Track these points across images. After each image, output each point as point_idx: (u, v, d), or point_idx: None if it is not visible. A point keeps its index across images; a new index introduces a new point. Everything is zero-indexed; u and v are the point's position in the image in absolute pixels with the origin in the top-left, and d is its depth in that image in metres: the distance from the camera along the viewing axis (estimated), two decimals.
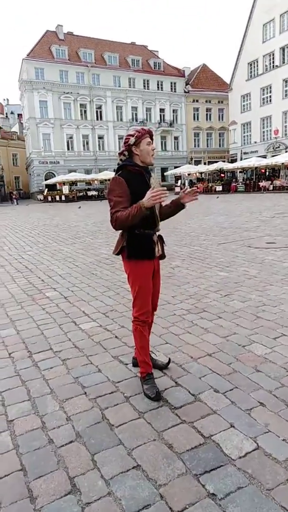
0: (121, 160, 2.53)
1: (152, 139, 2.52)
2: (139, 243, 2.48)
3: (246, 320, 3.72)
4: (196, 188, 2.65)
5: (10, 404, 2.54)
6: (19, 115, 60.79)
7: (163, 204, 2.60)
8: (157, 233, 2.61)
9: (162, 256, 2.66)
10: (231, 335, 3.39)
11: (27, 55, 42.12)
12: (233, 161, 42.62)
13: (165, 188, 2.36)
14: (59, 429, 2.24)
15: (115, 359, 3.07)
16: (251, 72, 40.73)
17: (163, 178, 49.26)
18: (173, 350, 3.17)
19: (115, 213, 2.34)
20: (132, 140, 2.45)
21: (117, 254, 2.57)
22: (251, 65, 40.51)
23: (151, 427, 2.18)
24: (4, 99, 73.26)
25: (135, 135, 2.45)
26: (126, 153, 2.51)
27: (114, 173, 2.55)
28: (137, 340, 2.59)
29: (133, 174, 2.46)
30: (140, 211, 2.28)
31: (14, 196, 42.54)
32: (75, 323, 3.98)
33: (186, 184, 39.86)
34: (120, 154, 2.54)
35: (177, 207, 2.64)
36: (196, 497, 1.67)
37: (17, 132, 60.58)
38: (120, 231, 2.53)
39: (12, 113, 70.18)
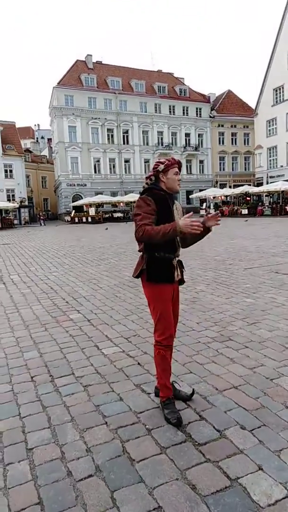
0: (147, 184, 2.59)
1: (180, 169, 2.61)
2: (159, 267, 2.49)
3: (274, 351, 3.56)
4: (218, 212, 2.66)
5: (30, 431, 2.50)
6: (49, 140, 63.29)
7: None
8: (177, 258, 2.62)
9: (181, 281, 2.67)
10: (258, 367, 3.24)
11: (58, 83, 44.17)
12: (259, 184, 42.40)
13: (198, 223, 2.36)
14: (78, 461, 2.17)
15: (137, 388, 2.99)
16: (276, 97, 40.93)
17: (188, 201, 49.57)
18: (198, 380, 3.06)
19: (144, 225, 2.34)
20: (161, 167, 2.53)
21: (137, 277, 2.57)
22: (276, 90, 40.75)
23: (174, 464, 2.08)
24: (35, 125, 76.67)
25: (165, 163, 2.53)
26: (153, 178, 2.58)
27: (139, 195, 2.59)
28: (159, 364, 2.58)
29: (158, 196, 2.51)
30: (174, 233, 2.28)
31: (41, 218, 43.76)
32: (98, 347, 3.94)
33: (211, 206, 39.85)
34: (147, 178, 2.61)
35: (203, 231, 2.61)
36: None
37: (46, 156, 62.93)
38: (141, 253, 2.57)
39: (42, 137, 73.14)
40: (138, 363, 3.45)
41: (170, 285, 2.56)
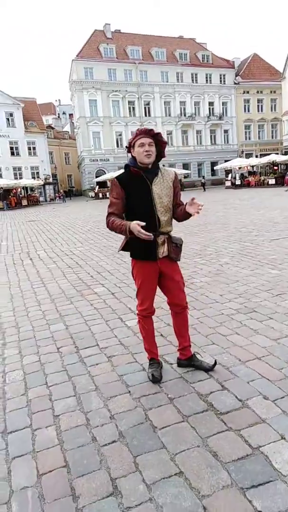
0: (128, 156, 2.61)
1: (153, 138, 2.45)
2: (139, 244, 2.47)
3: None
4: (200, 204, 2.49)
5: (57, 399, 2.59)
6: (70, 115, 62.70)
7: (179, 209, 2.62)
8: (163, 235, 2.56)
9: (173, 258, 2.60)
10: (283, 338, 3.19)
11: (77, 56, 43.17)
12: (287, 153, 40.66)
13: (150, 235, 2.36)
14: (102, 428, 2.24)
15: (160, 358, 3.01)
16: None
17: (213, 172, 48.30)
18: (220, 351, 3.05)
19: (110, 216, 2.53)
20: (126, 145, 2.53)
21: (123, 250, 2.63)
22: None
23: (195, 432, 2.10)
24: (56, 100, 76.02)
25: (129, 141, 2.49)
26: (129, 154, 2.54)
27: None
28: (141, 331, 2.80)
29: (132, 175, 2.50)
30: (125, 233, 2.44)
31: (59, 195, 43.45)
32: (121, 319, 3.99)
33: (237, 177, 38.72)
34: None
35: (185, 213, 2.56)
36: None
37: (68, 132, 62.53)
38: None
39: (64, 113, 72.58)
40: (161, 335, 3.47)
41: (153, 262, 2.56)
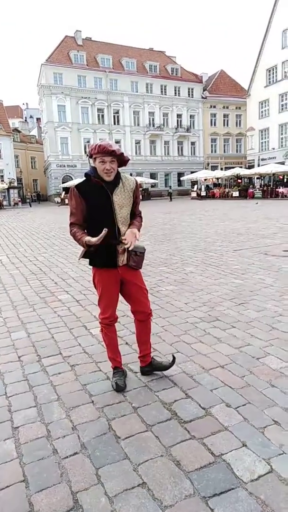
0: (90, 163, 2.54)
1: (114, 158, 2.40)
2: (99, 252, 2.47)
3: (261, 331, 3.59)
4: (134, 240, 2.49)
5: (17, 410, 2.48)
6: (38, 119, 61.82)
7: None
8: (124, 244, 2.51)
9: (133, 267, 2.57)
10: (245, 346, 3.27)
11: (46, 60, 42.79)
12: (250, 167, 42.23)
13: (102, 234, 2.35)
14: (64, 439, 2.17)
15: (124, 366, 2.98)
16: (269, 78, 40.35)
17: (180, 183, 49.18)
18: (184, 359, 3.07)
19: (72, 227, 2.54)
20: (88, 153, 2.48)
21: (83, 258, 2.59)
22: (269, 71, 40.13)
23: (159, 441, 2.09)
24: (23, 103, 74.69)
25: (89, 150, 2.43)
26: (91, 161, 2.49)
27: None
28: (104, 340, 2.78)
29: (93, 184, 2.47)
30: (83, 245, 2.46)
31: (30, 197, 42.81)
32: (86, 327, 3.92)
33: (203, 188, 39.66)
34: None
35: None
36: None
37: (35, 136, 61.56)
38: None
39: (31, 117, 71.40)
40: (126, 343, 3.45)
41: (114, 270, 2.55)
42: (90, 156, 2.44)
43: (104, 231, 2.31)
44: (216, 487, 1.75)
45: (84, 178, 2.54)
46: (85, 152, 44.52)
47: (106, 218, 2.47)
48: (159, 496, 1.72)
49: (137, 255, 2.57)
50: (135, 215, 2.67)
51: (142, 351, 2.82)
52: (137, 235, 2.52)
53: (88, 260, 2.60)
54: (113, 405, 2.47)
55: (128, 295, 2.70)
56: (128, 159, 2.53)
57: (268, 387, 2.60)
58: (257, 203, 24.68)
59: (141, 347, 2.82)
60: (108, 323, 2.68)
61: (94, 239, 2.35)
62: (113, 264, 2.53)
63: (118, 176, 2.52)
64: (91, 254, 2.52)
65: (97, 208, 2.46)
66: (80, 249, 2.67)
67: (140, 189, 2.97)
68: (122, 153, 2.44)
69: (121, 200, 2.51)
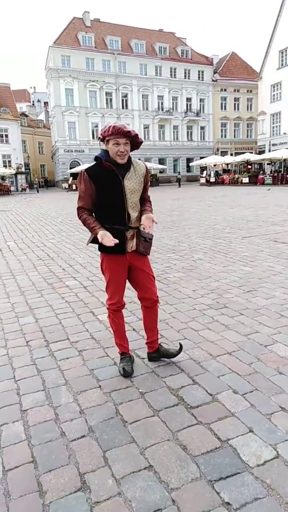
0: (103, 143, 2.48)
1: (128, 140, 2.37)
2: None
3: (269, 318, 3.57)
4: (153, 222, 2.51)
5: (25, 394, 2.52)
6: (45, 103, 61.22)
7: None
8: (134, 230, 2.53)
9: (142, 252, 2.56)
10: (253, 334, 3.26)
11: (54, 43, 42.12)
12: (260, 152, 41.53)
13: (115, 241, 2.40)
14: (72, 422, 2.20)
15: (131, 352, 3.00)
16: (282, 60, 39.31)
17: (188, 168, 48.65)
18: (192, 346, 3.08)
19: (81, 212, 2.51)
20: (100, 136, 2.41)
21: (92, 243, 2.59)
22: (282, 53, 39.08)
23: (166, 426, 2.11)
24: (31, 87, 73.97)
25: (102, 133, 2.37)
26: (101, 143, 2.46)
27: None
28: (111, 325, 2.78)
29: (103, 168, 2.42)
30: (94, 235, 2.47)
31: (37, 183, 42.84)
32: (93, 313, 3.94)
33: (212, 174, 39.19)
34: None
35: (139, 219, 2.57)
36: (209, 505, 1.59)
37: (43, 120, 61.08)
38: None
39: (38, 101, 70.80)
40: (133, 329, 3.46)
41: (122, 256, 2.53)
42: (103, 139, 2.39)
43: (115, 242, 2.36)
44: (222, 471, 1.76)
45: (94, 162, 2.50)
46: (93, 136, 44.17)
47: (117, 203, 2.45)
48: (165, 479, 1.74)
49: (146, 241, 2.56)
50: (144, 200, 2.64)
51: (149, 337, 2.83)
52: (154, 219, 2.50)
53: (95, 246, 2.60)
54: (120, 390, 2.50)
55: (136, 282, 2.69)
56: (142, 141, 2.49)
57: (275, 374, 2.60)
58: (269, 189, 24.32)
59: (148, 333, 2.83)
60: (116, 309, 2.69)
61: (106, 241, 2.35)
62: (122, 250, 2.51)
63: (129, 160, 2.48)
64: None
65: (107, 192, 2.42)
66: (88, 235, 2.66)
67: (149, 175, 2.92)
68: (137, 134, 2.42)
69: (132, 185, 2.47)
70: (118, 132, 2.30)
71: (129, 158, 2.48)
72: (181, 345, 2.83)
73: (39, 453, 1.96)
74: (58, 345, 3.23)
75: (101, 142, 2.46)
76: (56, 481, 1.77)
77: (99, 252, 2.63)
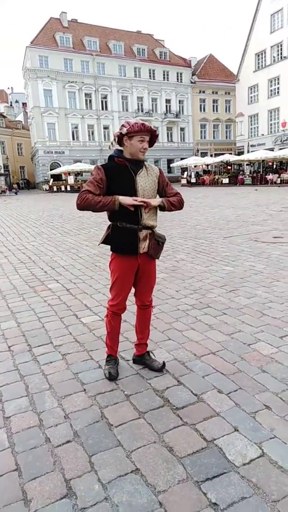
0: (112, 144, 2.52)
1: (153, 138, 2.47)
2: (120, 237, 2.46)
3: (251, 317, 3.62)
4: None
5: (8, 400, 2.47)
6: (24, 104, 60.40)
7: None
8: (146, 230, 2.50)
9: (152, 255, 2.55)
10: (236, 333, 3.29)
11: (31, 43, 41.62)
12: (240, 153, 42.16)
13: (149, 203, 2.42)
14: (56, 428, 2.17)
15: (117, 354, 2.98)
16: (258, 63, 40.03)
17: (169, 169, 48.90)
18: (176, 347, 3.08)
19: (86, 193, 2.36)
20: (124, 130, 2.39)
21: (103, 243, 2.57)
22: (258, 56, 39.80)
23: (152, 428, 2.10)
24: (8, 88, 72.74)
25: (128, 128, 2.38)
26: (116, 139, 2.46)
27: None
28: (106, 326, 2.72)
29: (117, 166, 2.44)
30: (113, 204, 2.36)
31: (16, 186, 42.18)
32: (77, 316, 3.90)
33: (192, 175, 39.51)
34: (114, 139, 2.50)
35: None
36: (197, 506, 1.59)
37: (21, 121, 60.23)
38: (109, 223, 2.55)
39: (16, 101, 69.67)
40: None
41: (133, 257, 2.50)
42: (122, 136, 2.39)
43: (138, 201, 2.36)
44: (208, 471, 1.77)
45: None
46: (74, 138, 43.81)
47: None
48: (152, 481, 1.74)
49: (158, 244, 2.55)
50: (174, 195, 2.63)
51: (138, 340, 2.81)
52: (154, 202, 2.46)
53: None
54: (105, 393, 2.48)
55: (136, 283, 2.65)
56: (155, 140, 2.54)
57: (259, 372, 2.63)
58: (256, 190, 24.71)
59: (137, 335, 2.81)
60: (116, 311, 2.64)
61: (128, 201, 2.35)
62: (134, 251, 2.48)
63: (142, 160, 2.51)
64: (113, 239, 2.51)
65: (120, 189, 2.40)
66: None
67: None
68: (156, 131, 2.50)
69: (144, 183, 2.45)
70: (146, 129, 2.38)
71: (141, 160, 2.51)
72: (164, 363, 2.74)
73: (23, 461, 1.92)
74: (41, 349, 3.18)
75: (114, 141, 2.47)
76: (41, 489, 1.74)
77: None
